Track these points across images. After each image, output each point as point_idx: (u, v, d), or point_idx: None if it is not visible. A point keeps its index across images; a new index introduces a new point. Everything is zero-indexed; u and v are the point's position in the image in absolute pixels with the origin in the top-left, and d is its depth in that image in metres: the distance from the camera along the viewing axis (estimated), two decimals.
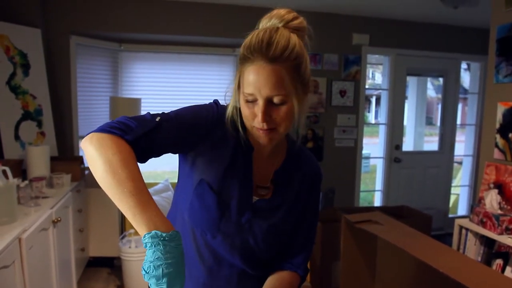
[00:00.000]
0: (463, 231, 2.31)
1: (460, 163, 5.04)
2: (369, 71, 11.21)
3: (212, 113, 0.91)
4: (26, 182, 2.14)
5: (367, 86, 4.06)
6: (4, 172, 1.77)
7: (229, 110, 0.91)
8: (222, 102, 0.96)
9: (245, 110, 0.85)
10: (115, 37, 3.44)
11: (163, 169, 6.93)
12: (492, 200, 2.30)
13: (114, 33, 3.34)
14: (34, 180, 2.25)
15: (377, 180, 4.40)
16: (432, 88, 8.60)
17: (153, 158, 0.88)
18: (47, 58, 3.00)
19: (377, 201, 4.36)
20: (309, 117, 3.73)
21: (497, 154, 2.41)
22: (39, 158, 2.50)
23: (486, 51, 2.56)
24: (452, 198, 4.66)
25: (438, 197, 4.33)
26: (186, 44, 3.63)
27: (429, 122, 9.09)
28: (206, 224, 0.92)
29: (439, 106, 4.46)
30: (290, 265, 1.01)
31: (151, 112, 0.87)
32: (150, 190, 2.99)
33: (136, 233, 2.88)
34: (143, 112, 3.46)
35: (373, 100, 13.94)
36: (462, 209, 4.58)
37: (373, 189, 5.00)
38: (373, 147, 6.14)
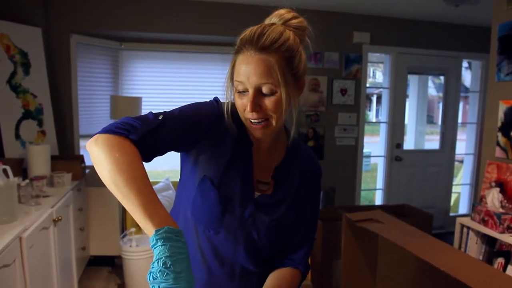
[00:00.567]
0: (465, 229, 2.30)
1: (461, 161, 5.04)
2: (370, 69, 11.21)
3: (212, 110, 0.92)
4: (27, 181, 2.14)
5: (368, 85, 4.05)
6: (4, 171, 1.77)
7: (227, 105, 0.92)
8: (222, 100, 0.97)
9: (238, 102, 0.88)
10: (116, 35, 3.44)
11: (163, 168, 6.92)
12: (493, 198, 2.29)
13: (114, 32, 3.34)
14: (35, 179, 2.25)
15: (378, 179, 4.40)
16: (433, 87, 8.58)
17: (158, 157, 0.89)
18: (48, 57, 3.00)
19: (378, 200, 4.36)
20: (310, 115, 3.72)
21: (498, 153, 2.40)
22: (39, 157, 2.49)
23: (487, 49, 2.55)
24: (453, 197, 4.66)
25: (439, 195, 4.33)
26: (186, 42, 3.63)
27: (430, 120, 9.08)
28: (209, 219, 0.93)
29: (440, 105, 4.45)
30: (291, 261, 1.01)
31: (153, 111, 0.88)
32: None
33: (137, 232, 2.88)
34: (143, 111, 3.47)
35: (374, 98, 13.94)
36: (463, 208, 4.58)
37: (374, 187, 4.99)
38: (374, 145, 6.13)
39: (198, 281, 0.97)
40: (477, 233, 2.23)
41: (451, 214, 4.44)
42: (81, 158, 2.94)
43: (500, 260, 2.08)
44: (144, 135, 0.81)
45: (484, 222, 2.16)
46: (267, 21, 0.89)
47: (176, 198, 1.05)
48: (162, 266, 0.66)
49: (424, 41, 3.97)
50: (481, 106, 4.28)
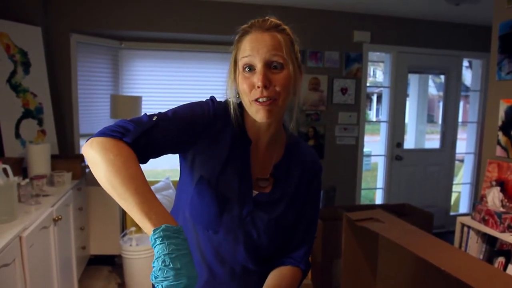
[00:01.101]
0: (465, 229, 2.30)
1: (462, 160, 5.04)
2: (370, 68, 11.20)
3: (208, 109, 0.92)
4: (27, 180, 2.13)
5: (368, 84, 4.05)
6: (4, 170, 1.76)
7: (232, 94, 0.92)
8: (219, 99, 0.97)
9: (243, 83, 0.87)
10: (116, 35, 3.43)
11: (163, 167, 6.92)
12: (494, 197, 2.29)
13: (114, 31, 3.33)
14: (35, 178, 2.25)
15: (378, 178, 4.40)
16: (433, 86, 8.57)
17: (155, 158, 0.89)
18: (48, 56, 2.99)
19: (378, 199, 4.36)
20: (310, 115, 3.72)
21: (499, 152, 2.40)
22: (39, 156, 2.49)
23: (487, 48, 2.54)
24: (454, 196, 4.65)
25: (440, 194, 4.33)
26: (186, 42, 3.63)
27: (431, 119, 9.08)
28: (207, 219, 0.92)
29: (441, 104, 4.45)
30: (291, 259, 1.01)
31: (152, 111, 0.89)
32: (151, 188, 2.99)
33: (137, 231, 2.88)
34: (144, 110, 3.47)
35: (374, 98, 13.94)
36: (463, 207, 4.57)
37: (374, 187, 4.99)
38: (374, 145, 6.13)
39: (199, 280, 0.97)
40: (478, 232, 2.22)
41: (452, 213, 4.44)
42: (81, 158, 2.94)
43: (501, 259, 2.08)
44: (138, 137, 0.81)
45: (484, 221, 2.16)
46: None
47: (175, 198, 1.05)
48: (161, 265, 0.66)
49: (425, 40, 3.96)
50: (481, 105, 4.27)
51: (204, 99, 0.96)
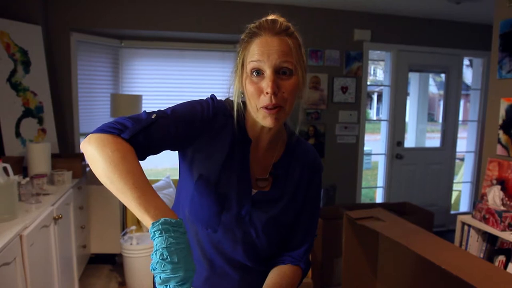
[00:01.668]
0: (466, 227, 2.30)
1: (462, 159, 5.03)
2: (371, 67, 11.19)
3: (207, 108, 0.91)
4: (27, 179, 2.13)
5: (368, 83, 4.05)
6: (5, 169, 1.76)
7: (235, 93, 0.92)
8: (219, 97, 0.96)
9: (250, 88, 0.86)
10: (116, 33, 3.43)
11: (164, 166, 6.95)
12: (494, 196, 2.29)
13: (114, 30, 3.33)
14: (35, 177, 2.25)
15: (378, 177, 4.39)
16: (434, 84, 8.57)
17: (154, 155, 0.89)
18: (48, 55, 2.99)
19: (379, 198, 4.35)
20: (311, 113, 3.72)
21: (500, 150, 2.40)
22: (40, 155, 2.49)
23: (488, 46, 2.54)
24: (454, 195, 4.65)
25: (440, 193, 4.33)
26: (187, 40, 3.63)
27: (431, 118, 9.08)
28: (207, 218, 0.92)
29: (441, 103, 4.45)
30: (291, 258, 1.01)
31: (148, 110, 0.88)
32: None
33: (138, 230, 2.88)
34: (144, 109, 3.47)
35: (375, 96, 13.93)
36: (464, 206, 4.57)
37: (374, 185, 5.00)
38: (375, 143, 6.14)
39: (199, 277, 0.98)
40: (478, 231, 2.22)
41: (452, 212, 4.44)
42: (81, 156, 2.94)
43: (501, 258, 2.08)
44: (137, 133, 0.81)
45: (485, 220, 2.16)
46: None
47: (175, 197, 1.05)
48: (159, 258, 0.67)
49: (425, 38, 3.96)
50: (482, 104, 4.27)
51: (204, 98, 0.96)
